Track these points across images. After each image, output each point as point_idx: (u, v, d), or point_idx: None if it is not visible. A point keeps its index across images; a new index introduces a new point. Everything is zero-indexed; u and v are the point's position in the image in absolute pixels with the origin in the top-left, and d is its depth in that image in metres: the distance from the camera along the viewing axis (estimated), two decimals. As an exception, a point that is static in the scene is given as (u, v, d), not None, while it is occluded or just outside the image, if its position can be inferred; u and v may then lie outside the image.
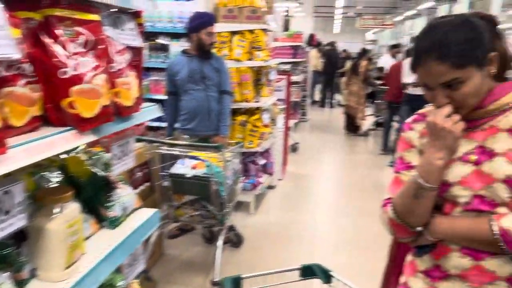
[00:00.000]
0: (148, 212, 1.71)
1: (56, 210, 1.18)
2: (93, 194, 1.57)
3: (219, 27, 4.26)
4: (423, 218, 1.18)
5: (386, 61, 9.30)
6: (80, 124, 1.14)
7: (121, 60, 1.34)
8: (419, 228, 1.20)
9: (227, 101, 3.88)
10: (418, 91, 6.10)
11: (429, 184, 1.14)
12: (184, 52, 3.86)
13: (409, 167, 1.26)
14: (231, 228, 3.87)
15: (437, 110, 1.13)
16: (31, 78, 1.02)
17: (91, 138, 1.17)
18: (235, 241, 3.90)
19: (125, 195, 1.65)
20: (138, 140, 3.08)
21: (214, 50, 4.04)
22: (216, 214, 3.27)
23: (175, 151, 3.27)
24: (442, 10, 10.68)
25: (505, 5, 8.92)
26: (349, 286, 1.41)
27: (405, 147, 1.31)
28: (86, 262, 1.30)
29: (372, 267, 3.43)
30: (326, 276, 1.49)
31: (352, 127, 8.87)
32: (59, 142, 1.05)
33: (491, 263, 1.12)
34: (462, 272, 1.16)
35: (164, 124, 5.00)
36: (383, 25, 15.16)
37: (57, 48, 1.08)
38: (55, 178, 1.45)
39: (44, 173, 1.42)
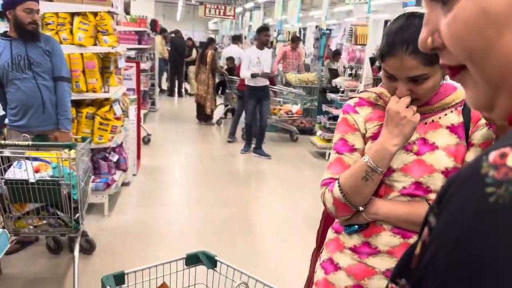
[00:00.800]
0: (-9, 236, 1.37)
1: None
2: None
3: (56, 6, 3.72)
4: (366, 199, 1.26)
5: (234, 51, 9.57)
6: None
7: None
8: (361, 208, 1.26)
9: (65, 89, 3.39)
10: (259, 82, 6.49)
11: (380, 168, 1.21)
12: (4, 34, 3.25)
13: (353, 149, 1.32)
14: (82, 234, 3.47)
15: (399, 99, 1.19)
16: None
17: None
18: (86, 247, 3.51)
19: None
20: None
21: (45, 32, 3.50)
22: (68, 221, 2.88)
23: (7, 152, 2.75)
24: (279, 4, 11.47)
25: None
26: (234, 269, 1.42)
27: (348, 129, 1.34)
28: None
29: (241, 253, 3.53)
30: (212, 262, 1.48)
31: (203, 116, 8.91)
32: None
33: None
34: (391, 249, 1.26)
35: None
36: (225, 15, 15.53)
37: None
38: None
39: None
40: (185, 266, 1.49)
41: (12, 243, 3.37)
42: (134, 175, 5.31)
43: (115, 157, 4.50)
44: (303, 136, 7.85)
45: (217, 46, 11.75)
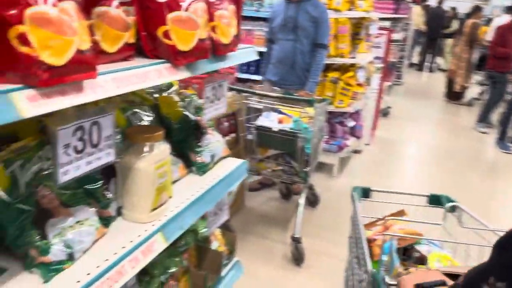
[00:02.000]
0: (236, 162, 1.61)
1: (146, 149, 1.11)
2: (183, 138, 1.50)
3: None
4: None
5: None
6: (175, 57, 1.02)
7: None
8: None
9: (321, 56, 3.57)
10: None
11: None
12: None
13: None
14: (310, 187, 3.74)
15: None
16: (126, -1, 0.91)
17: (185, 74, 1.06)
18: (312, 200, 3.78)
19: (214, 142, 1.56)
20: (229, 89, 3.00)
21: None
22: (299, 171, 3.14)
23: (261, 103, 3.15)
24: None
25: None
26: (473, 216, 1.57)
27: None
28: (172, 206, 1.24)
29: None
30: (452, 207, 1.71)
31: (452, 93, 8.05)
32: (151, 74, 0.95)
33: None
34: None
35: (254, 77, 4.91)
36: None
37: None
38: (146, 116, 1.39)
39: (136, 110, 1.37)
40: (425, 204, 1.82)
41: (254, 182, 3.96)
42: (366, 144, 5.32)
43: (351, 123, 4.60)
44: None
45: (483, 17, 10.19)
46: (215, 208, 1.54)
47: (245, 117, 3.21)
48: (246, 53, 1.39)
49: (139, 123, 1.32)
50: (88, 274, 0.93)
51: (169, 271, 1.47)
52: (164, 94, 1.54)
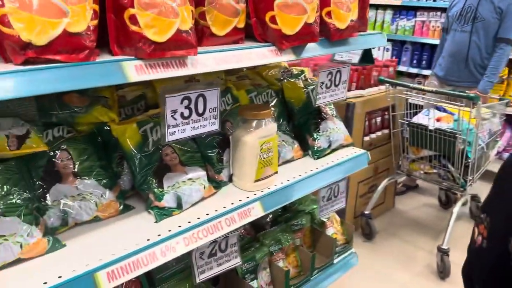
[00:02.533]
0: (355, 151, 1.61)
1: (253, 124, 1.24)
2: (303, 121, 1.58)
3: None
4: None
5: None
6: (280, 40, 1.11)
7: (340, -24, 1.22)
8: None
9: (504, 52, 3.12)
10: None
11: None
12: None
13: None
14: (474, 198, 3.32)
15: None
16: (235, -13, 1.04)
17: (288, 57, 1.14)
18: (474, 212, 3.36)
19: (333, 129, 1.59)
20: (380, 81, 2.92)
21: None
22: (456, 176, 2.84)
23: (422, 99, 2.95)
24: None
25: None
26: None
27: None
28: (277, 181, 1.34)
29: None
30: None
31: None
32: (253, 56, 1.05)
33: None
34: None
35: (424, 72, 4.60)
36: None
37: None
38: (270, 98, 1.52)
39: (262, 92, 1.51)
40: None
41: (399, 186, 3.73)
42: None
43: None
44: None
45: None
46: (329, 193, 1.57)
47: (401, 112, 3.06)
48: (368, 40, 1.37)
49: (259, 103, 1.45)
50: (189, 222, 1.11)
51: (279, 244, 1.58)
52: (292, 80, 1.64)
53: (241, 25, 1.08)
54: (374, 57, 3.26)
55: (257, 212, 1.23)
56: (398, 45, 4.85)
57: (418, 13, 4.57)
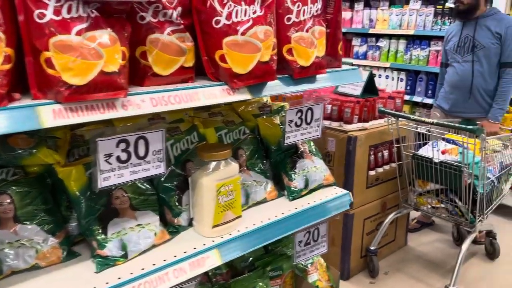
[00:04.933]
0: (336, 192, 1.50)
1: (210, 166, 1.16)
2: (280, 160, 1.49)
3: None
4: None
5: None
6: (232, 79, 1.04)
7: (304, 11, 1.15)
8: None
9: (511, 77, 3.01)
10: None
11: None
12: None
13: None
14: (489, 234, 3.11)
15: None
16: (179, 26, 0.98)
17: (244, 96, 1.07)
18: (489, 251, 3.14)
19: (311, 168, 1.49)
20: (381, 113, 2.81)
21: (499, 10, 3.18)
22: (465, 212, 2.67)
23: (426, 130, 2.81)
24: None
25: None
26: None
27: None
28: (242, 225, 1.25)
29: None
30: None
31: None
32: (199, 96, 0.99)
33: None
34: None
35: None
36: None
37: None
38: (242, 136, 1.44)
39: (233, 130, 1.43)
40: None
41: (413, 222, 3.54)
42: None
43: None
44: None
45: None
46: (307, 238, 1.47)
47: (407, 144, 2.93)
48: (341, 76, 1.29)
49: (229, 142, 1.38)
50: (131, 273, 1.03)
51: (251, 291, 1.47)
52: (272, 115, 1.57)
53: (189, 64, 1.03)
54: (381, 88, 3.16)
55: (212, 261, 1.13)
56: (412, 75, 4.73)
57: (432, 43, 4.45)
